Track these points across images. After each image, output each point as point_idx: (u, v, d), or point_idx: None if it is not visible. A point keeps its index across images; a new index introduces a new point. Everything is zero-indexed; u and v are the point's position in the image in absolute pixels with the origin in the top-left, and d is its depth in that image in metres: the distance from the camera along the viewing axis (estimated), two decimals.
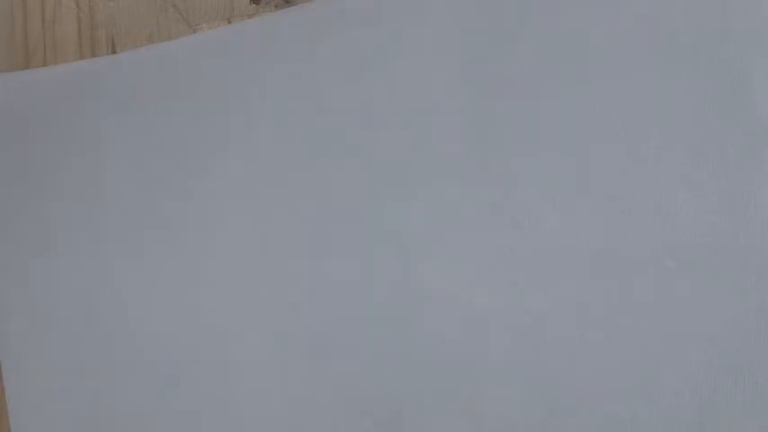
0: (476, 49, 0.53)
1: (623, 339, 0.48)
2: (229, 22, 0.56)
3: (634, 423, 0.48)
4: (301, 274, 0.52)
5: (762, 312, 0.48)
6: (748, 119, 0.50)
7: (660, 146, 0.50)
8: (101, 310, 0.53)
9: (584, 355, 0.49)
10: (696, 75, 0.51)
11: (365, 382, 0.49)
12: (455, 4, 0.53)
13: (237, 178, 0.53)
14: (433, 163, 0.51)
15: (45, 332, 0.53)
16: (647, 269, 0.49)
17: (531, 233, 0.49)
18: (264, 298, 0.52)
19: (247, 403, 0.51)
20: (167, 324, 0.52)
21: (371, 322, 0.50)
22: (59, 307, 0.53)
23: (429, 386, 0.49)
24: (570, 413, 0.48)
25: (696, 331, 0.48)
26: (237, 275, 0.53)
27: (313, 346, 0.51)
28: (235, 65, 0.55)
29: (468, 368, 0.49)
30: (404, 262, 0.50)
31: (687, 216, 0.49)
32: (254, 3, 0.56)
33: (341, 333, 0.50)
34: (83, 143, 0.55)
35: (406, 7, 0.53)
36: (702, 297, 0.48)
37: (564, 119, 0.51)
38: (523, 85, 0.52)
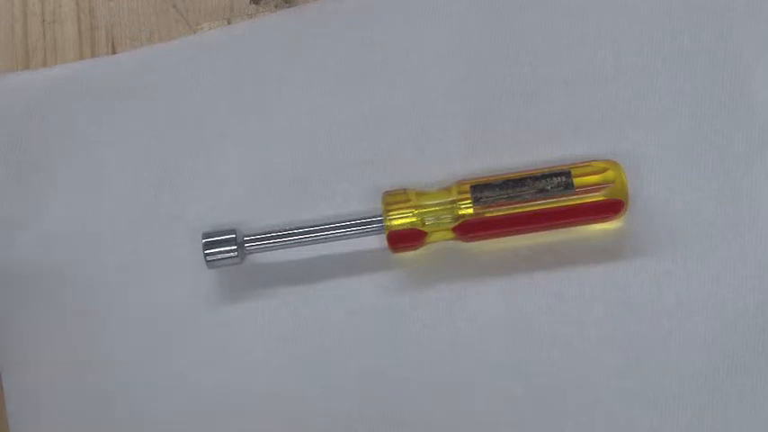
0: (476, 48, 0.53)
1: (623, 340, 0.49)
2: (229, 23, 0.56)
3: (634, 424, 0.48)
4: None
5: (761, 313, 0.48)
6: (748, 119, 0.50)
7: (659, 145, 0.51)
8: (101, 309, 0.53)
9: (584, 357, 0.49)
10: (696, 75, 0.51)
11: None
12: (455, 3, 0.53)
13: (237, 179, 0.53)
14: (434, 163, 0.52)
15: (45, 332, 0.53)
16: (645, 270, 0.49)
17: None
18: None
19: (253, 401, 0.51)
20: (168, 323, 0.52)
21: None
22: (60, 307, 0.53)
23: None
24: (570, 414, 0.48)
25: (696, 332, 0.48)
26: None
27: None
28: (234, 65, 0.55)
29: None
30: None
31: (687, 216, 0.50)
32: (254, 3, 0.56)
33: None
34: (82, 143, 0.55)
35: (406, 7, 0.54)
36: (702, 297, 0.48)
37: (563, 118, 0.51)
38: (523, 85, 0.52)
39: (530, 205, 0.48)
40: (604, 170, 0.48)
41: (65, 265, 0.54)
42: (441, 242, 0.50)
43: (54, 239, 0.54)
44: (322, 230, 0.49)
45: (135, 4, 0.58)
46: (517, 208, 0.48)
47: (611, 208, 0.48)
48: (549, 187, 0.47)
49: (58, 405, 0.52)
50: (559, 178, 0.48)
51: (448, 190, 0.49)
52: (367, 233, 0.49)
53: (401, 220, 0.48)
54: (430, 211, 0.49)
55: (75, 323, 0.53)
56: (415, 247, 0.50)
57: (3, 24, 0.59)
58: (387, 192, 0.50)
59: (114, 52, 0.57)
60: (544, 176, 0.48)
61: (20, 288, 0.54)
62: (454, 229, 0.49)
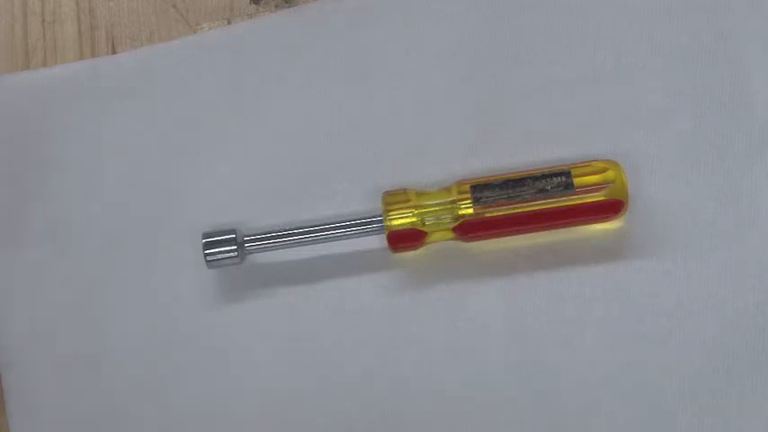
0: (476, 48, 0.53)
1: (623, 340, 0.49)
2: (229, 23, 0.56)
3: (634, 425, 0.48)
4: None
5: (761, 313, 0.48)
6: (748, 119, 0.50)
7: (659, 145, 0.50)
8: (102, 309, 0.53)
9: (584, 357, 0.49)
10: (696, 75, 0.51)
11: None
12: (455, 3, 0.53)
13: (237, 179, 0.53)
14: (434, 163, 0.51)
15: (46, 332, 0.53)
16: (645, 270, 0.49)
17: None
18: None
19: (253, 400, 0.51)
20: (169, 323, 0.52)
21: None
22: (60, 307, 0.53)
23: None
24: (570, 415, 0.48)
25: (696, 332, 0.48)
26: None
27: None
28: (234, 65, 0.55)
29: None
30: None
31: (687, 216, 0.49)
32: (254, 3, 0.56)
33: None
34: (81, 143, 0.55)
35: (406, 7, 0.53)
36: (702, 298, 0.48)
37: (563, 118, 0.51)
38: (523, 85, 0.52)
39: (530, 205, 0.47)
40: (604, 170, 0.48)
41: (65, 265, 0.54)
42: (441, 242, 0.50)
43: (54, 239, 0.54)
44: (322, 230, 0.49)
45: (135, 4, 0.58)
46: (517, 208, 0.48)
47: (611, 208, 0.48)
48: (549, 187, 0.47)
49: (58, 405, 0.52)
50: (559, 178, 0.47)
51: (448, 190, 0.49)
52: (367, 233, 0.49)
53: (401, 220, 0.48)
54: (430, 211, 0.48)
55: (76, 323, 0.53)
56: (415, 247, 0.50)
57: (3, 24, 0.59)
58: (387, 192, 0.50)
59: (114, 52, 0.57)
60: (544, 176, 0.48)
61: (20, 288, 0.54)
62: (454, 229, 0.48)
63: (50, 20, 0.58)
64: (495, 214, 0.48)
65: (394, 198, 0.49)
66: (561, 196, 0.47)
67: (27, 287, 0.54)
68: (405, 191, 0.49)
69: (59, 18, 0.58)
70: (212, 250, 0.50)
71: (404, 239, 0.49)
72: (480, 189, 0.48)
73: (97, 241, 0.54)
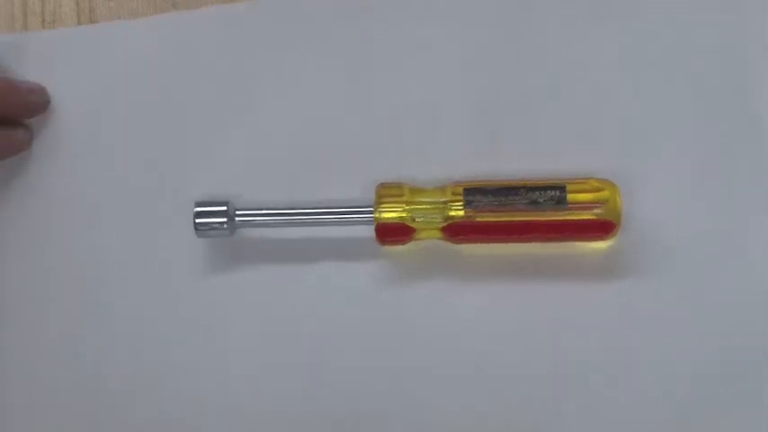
0: (476, 48, 0.53)
1: (621, 344, 0.48)
2: None
3: (633, 428, 0.47)
4: None
5: (753, 334, 0.47)
6: (748, 147, 0.50)
7: (658, 167, 0.51)
8: (101, 307, 0.52)
9: (580, 359, 0.48)
10: (698, 77, 0.51)
11: None
12: (455, 3, 0.54)
13: (238, 169, 0.53)
14: (435, 163, 0.51)
15: (44, 331, 0.53)
16: (644, 273, 0.49)
17: None
18: None
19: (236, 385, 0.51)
20: (169, 323, 0.52)
21: None
22: (59, 305, 0.53)
23: None
24: (566, 417, 0.48)
25: (695, 336, 0.47)
26: None
27: None
28: (235, 52, 0.55)
29: None
30: None
31: (686, 219, 0.49)
32: None
33: None
34: (79, 115, 0.55)
35: (406, 6, 0.54)
36: (701, 302, 0.48)
37: (566, 118, 0.51)
38: (525, 85, 0.52)
39: (520, 215, 0.47)
40: (599, 189, 0.47)
41: (64, 260, 0.53)
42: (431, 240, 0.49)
43: (54, 235, 0.53)
44: (313, 214, 0.49)
45: (135, 4, 0.58)
46: (507, 216, 0.47)
47: (601, 228, 0.47)
48: (541, 200, 0.47)
49: (58, 402, 0.52)
50: (553, 192, 0.47)
51: (442, 190, 0.49)
52: (356, 222, 0.49)
53: (391, 213, 0.48)
54: (421, 209, 0.48)
55: (75, 322, 0.53)
56: (402, 242, 0.49)
57: (3, 24, 0.59)
58: (381, 184, 0.49)
59: None
60: (538, 188, 0.47)
61: (19, 284, 0.53)
62: (443, 230, 0.48)
63: (50, 20, 0.59)
64: (484, 220, 0.47)
65: (388, 191, 0.49)
66: (552, 210, 0.47)
67: (26, 283, 0.53)
68: (399, 185, 0.49)
69: (59, 18, 0.59)
70: (203, 220, 0.49)
71: (392, 233, 0.48)
72: (473, 193, 0.48)
73: (96, 235, 0.53)
